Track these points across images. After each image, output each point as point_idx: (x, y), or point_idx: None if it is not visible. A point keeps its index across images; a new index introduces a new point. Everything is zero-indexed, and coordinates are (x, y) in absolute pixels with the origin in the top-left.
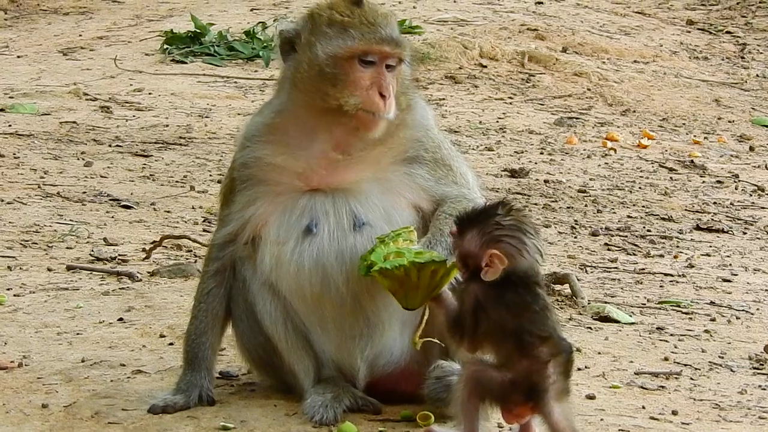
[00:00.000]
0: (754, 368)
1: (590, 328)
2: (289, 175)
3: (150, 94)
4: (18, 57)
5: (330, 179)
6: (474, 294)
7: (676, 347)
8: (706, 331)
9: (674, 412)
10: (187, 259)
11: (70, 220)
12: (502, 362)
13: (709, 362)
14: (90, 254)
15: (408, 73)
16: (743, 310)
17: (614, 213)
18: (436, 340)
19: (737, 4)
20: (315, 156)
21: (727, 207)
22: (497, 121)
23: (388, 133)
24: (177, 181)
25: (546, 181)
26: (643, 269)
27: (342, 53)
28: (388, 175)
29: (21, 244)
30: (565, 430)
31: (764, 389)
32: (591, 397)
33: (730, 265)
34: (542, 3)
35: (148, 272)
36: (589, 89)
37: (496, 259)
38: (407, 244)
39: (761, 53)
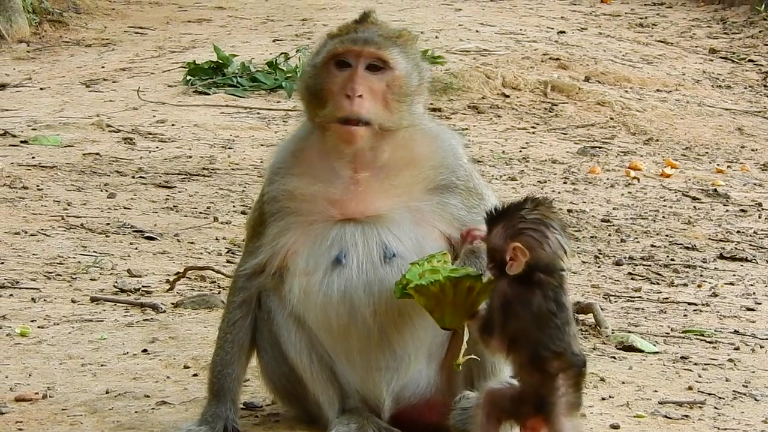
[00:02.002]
0: None
1: (614, 357)
2: (323, 204)
3: (173, 125)
4: (41, 89)
5: (363, 207)
6: (503, 291)
7: (700, 376)
8: (730, 360)
9: None
10: (211, 290)
11: (94, 251)
12: (515, 372)
13: (733, 391)
14: (114, 286)
15: (409, 82)
16: (767, 339)
17: (638, 242)
18: (477, 357)
19: (760, 32)
20: (345, 181)
21: (750, 236)
22: (520, 151)
23: (399, 151)
24: (200, 212)
25: (569, 211)
26: (667, 298)
27: (319, 61)
28: (421, 205)
29: (45, 275)
30: None
31: None
32: (615, 427)
33: (754, 293)
34: (564, 32)
35: (172, 303)
36: (612, 118)
37: (518, 252)
38: (441, 264)
39: None
